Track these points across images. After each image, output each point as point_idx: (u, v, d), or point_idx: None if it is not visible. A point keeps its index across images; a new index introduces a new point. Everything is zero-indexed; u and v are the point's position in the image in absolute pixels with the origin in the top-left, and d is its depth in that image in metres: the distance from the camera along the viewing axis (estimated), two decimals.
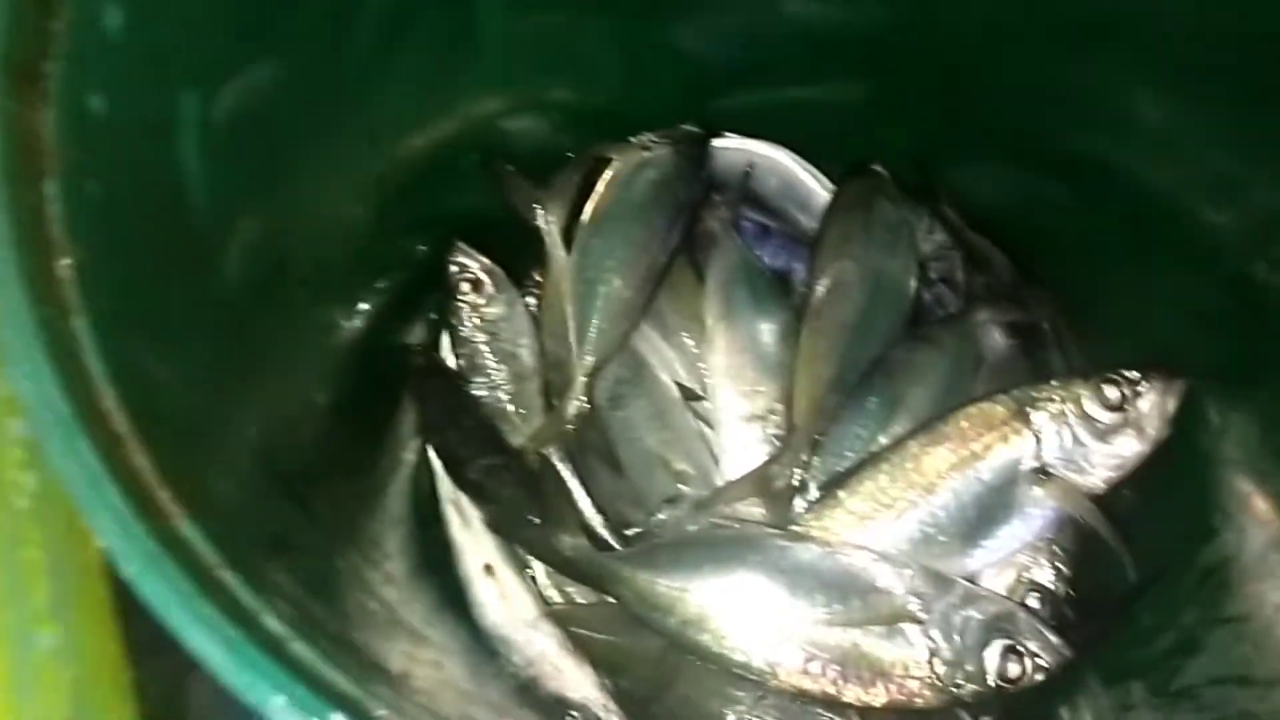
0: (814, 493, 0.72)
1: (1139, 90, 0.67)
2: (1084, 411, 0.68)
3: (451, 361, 0.83)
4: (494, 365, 0.81)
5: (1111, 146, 0.71)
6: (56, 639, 0.57)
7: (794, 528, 0.70)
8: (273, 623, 0.38)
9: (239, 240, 0.58)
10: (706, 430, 0.78)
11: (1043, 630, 0.66)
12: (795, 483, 0.72)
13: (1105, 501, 0.68)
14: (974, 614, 0.66)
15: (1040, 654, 0.65)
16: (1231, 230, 0.66)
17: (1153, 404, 0.68)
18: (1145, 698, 0.64)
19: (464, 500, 0.76)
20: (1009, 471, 0.68)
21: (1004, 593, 0.71)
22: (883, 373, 0.76)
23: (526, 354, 0.82)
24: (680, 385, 0.79)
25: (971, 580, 0.69)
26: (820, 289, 0.78)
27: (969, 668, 0.65)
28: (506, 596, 0.74)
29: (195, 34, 0.52)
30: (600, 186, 0.80)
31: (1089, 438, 0.68)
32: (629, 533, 0.76)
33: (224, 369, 0.55)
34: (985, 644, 0.65)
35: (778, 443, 0.75)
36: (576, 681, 0.71)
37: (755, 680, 0.66)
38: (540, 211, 0.80)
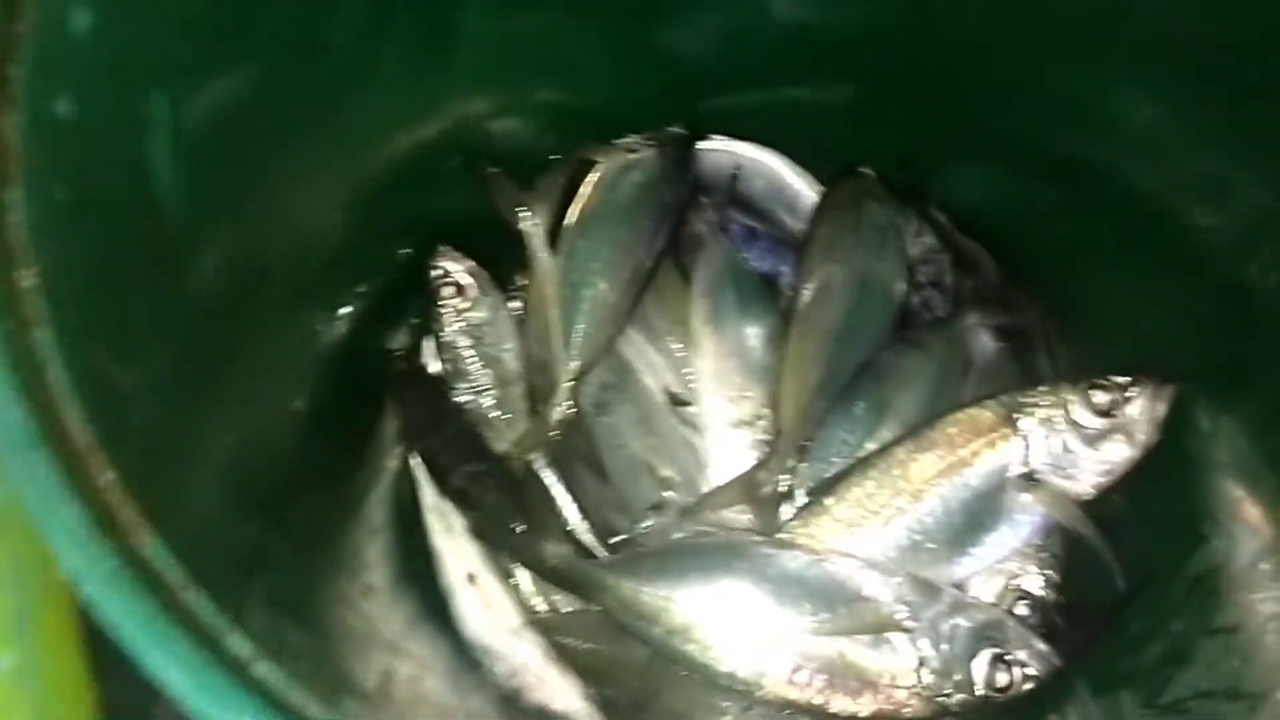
0: (801, 499, 0.72)
1: (1128, 92, 0.67)
2: (1073, 417, 0.68)
3: (434, 367, 0.82)
4: (477, 370, 0.80)
5: (1101, 149, 0.71)
6: (15, 659, 0.56)
7: (780, 535, 0.69)
8: (237, 643, 0.37)
9: (213, 246, 0.57)
10: (693, 436, 0.77)
11: (1031, 639, 0.65)
12: (782, 489, 0.72)
13: (1094, 508, 0.68)
14: (962, 622, 0.65)
15: (1029, 663, 0.64)
16: (1221, 233, 0.66)
17: (1142, 409, 0.67)
18: (1134, 708, 0.64)
19: (447, 507, 0.75)
20: (997, 478, 0.68)
21: (992, 600, 0.70)
22: (870, 377, 0.76)
23: (510, 359, 0.81)
24: (666, 390, 0.78)
25: (959, 588, 0.68)
26: (808, 292, 0.78)
27: (957, 677, 0.64)
28: (489, 605, 0.73)
29: (166, 36, 0.51)
30: (585, 189, 0.80)
31: (1078, 444, 0.68)
32: (614, 540, 0.75)
33: (197, 379, 0.54)
34: (973, 653, 0.64)
35: (765, 448, 0.74)
36: (560, 692, 0.70)
37: (741, 690, 0.66)
38: (525, 214, 0.79)
